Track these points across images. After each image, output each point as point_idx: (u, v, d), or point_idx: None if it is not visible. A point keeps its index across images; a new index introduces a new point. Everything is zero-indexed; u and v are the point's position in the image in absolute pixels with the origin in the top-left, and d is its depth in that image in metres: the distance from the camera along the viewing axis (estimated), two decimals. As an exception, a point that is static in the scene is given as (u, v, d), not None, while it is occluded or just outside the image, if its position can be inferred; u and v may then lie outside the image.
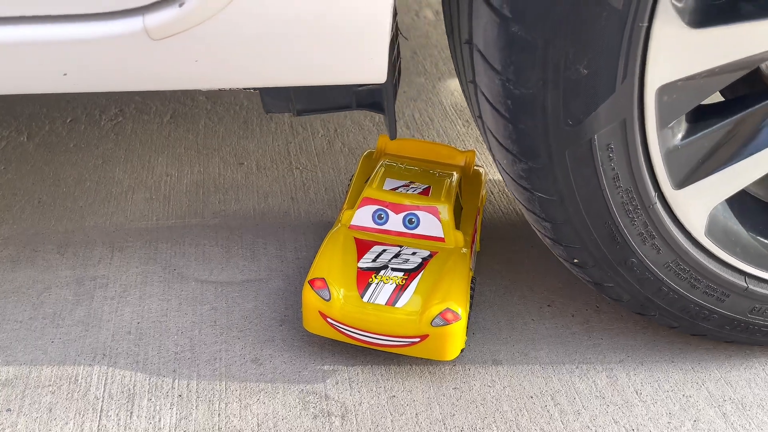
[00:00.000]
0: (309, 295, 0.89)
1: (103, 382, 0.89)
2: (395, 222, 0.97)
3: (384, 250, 0.94)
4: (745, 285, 0.85)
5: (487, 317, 1.00)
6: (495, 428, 0.84)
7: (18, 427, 0.83)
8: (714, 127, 0.77)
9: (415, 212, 0.97)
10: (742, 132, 0.79)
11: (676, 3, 0.67)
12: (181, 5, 0.68)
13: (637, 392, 0.89)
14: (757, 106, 0.78)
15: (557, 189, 0.76)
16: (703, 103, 0.77)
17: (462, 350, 0.89)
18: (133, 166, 1.33)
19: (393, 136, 0.91)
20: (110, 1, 0.69)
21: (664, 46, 0.68)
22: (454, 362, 0.92)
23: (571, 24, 0.65)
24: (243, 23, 0.71)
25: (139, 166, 1.33)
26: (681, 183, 0.78)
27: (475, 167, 1.14)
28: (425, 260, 0.93)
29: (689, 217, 0.80)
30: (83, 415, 0.85)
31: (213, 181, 1.29)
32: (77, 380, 0.89)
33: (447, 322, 0.85)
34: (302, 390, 0.88)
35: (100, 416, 0.85)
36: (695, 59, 0.70)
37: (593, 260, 0.83)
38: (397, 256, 0.93)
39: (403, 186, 1.01)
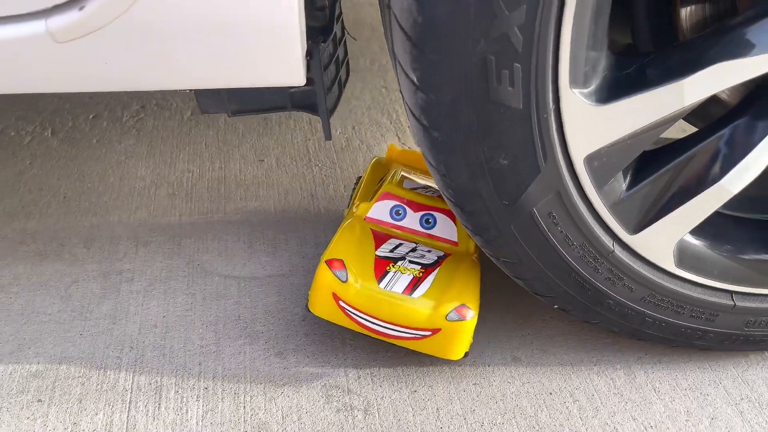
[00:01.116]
0: (325, 275, 0.86)
1: (131, 375, 0.91)
2: (412, 220, 0.98)
3: (401, 244, 0.96)
4: (732, 303, 0.86)
5: (506, 314, 1.01)
6: (515, 424, 0.86)
7: (49, 417, 0.86)
8: (656, 174, 0.79)
9: (433, 213, 0.98)
10: (691, 171, 0.79)
11: (579, 90, 0.70)
12: (81, 8, 0.69)
13: (655, 390, 0.90)
14: (699, 146, 0.78)
15: (515, 254, 0.82)
16: (647, 150, 0.79)
17: (466, 353, 0.89)
18: (155, 162, 1.35)
19: (327, 137, 0.92)
20: (11, 5, 0.70)
21: (578, 125, 0.72)
22: (473, 359, 0.94)
23: (479, 128, 0.71)
24: (147, 26, 0.72)
25: (161, 162, 1.35)
26: (637, 228, 0.80)
27: None
28: (441, 258, 0.94)
29: (655, 254, 0.82)
30: (113, 407, 0.87)
31: (234, 178, 1.30)
32: (106, 372, 0.91)
33: (461, 318, 0.85)
34: (325, 384, 0.90)
35: (129, 408, 0.87)
36: (611, 130, 0.73)
37: (572, 306, 0.87)
38: (413, 250, 0.95)
39: (421, 188, 1.02)
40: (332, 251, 0.90)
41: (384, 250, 0.93)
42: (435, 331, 0.86)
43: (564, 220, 0.77)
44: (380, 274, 0.89)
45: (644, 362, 0.94)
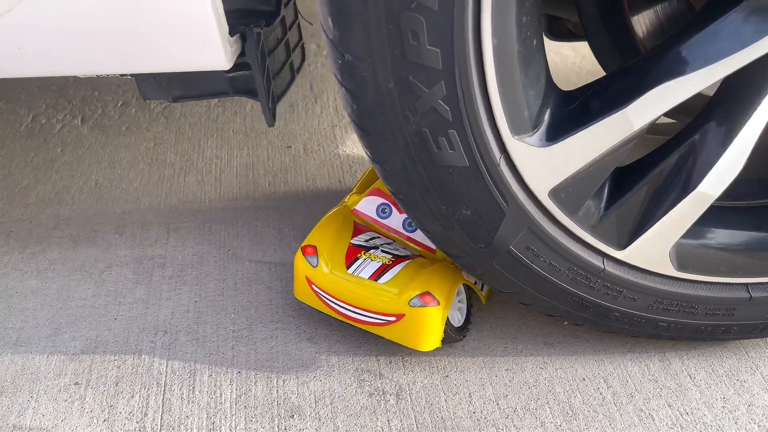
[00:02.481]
0: (299, 261, 0.91)
1: (165, 358, 0.92)
2: (396, 220, 0.98)
3: (379, 237, 0.96)
4: (749, 295, 0.83)
5: (538, 300, 1.01)
6: (548, 409, 0.85)
7: (86, 400, 0.87)
8: (632, 191, 0.78)
9: None
10: (666, 182, 0.77)
11: (525, 137, 0.70)
12: None
13: (690, 376, 0.89)
14: (671, 156, 0.77)
15: (508, 285, 0.83)
16: (620, 166, 0.78)
17: (439, 344, 0.87)
18: (184, 148, 1.36)
19: (269, 123, 0.91)
20: None
21: (533, 167, 0.73)
22: (505, 344, 0.94)
23: (434, 188, 0.74)
24: (54, 10, 0.72)
25: (190, 148, 1.36)
26: (625, 243, 0.79)
27: None
28: (416, 255, 0.94)
29: (652, 263, 0.80)
30: (148, 390, 0.88)
31: (262, 164, 1.31)
32: (141, 356, 0.93)
33: (424, 305, 0.85)
34: (357, 368, 0.90)
35: (164, 391, 0.88)
36: (568, 165, 0.73)
37: (581, 320, 0.87)
38: (389, 244, 0.95)
39: None
40: (309, 238, 0.93)
41: (359, 240, 0.94)
42: (399, 316, 0.86)
43: (544, 251, 0.78)
44: (350, 260, 0.91)
45: (679, 349, 0.93)
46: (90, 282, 1.05)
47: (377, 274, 0.89)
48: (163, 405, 0.86)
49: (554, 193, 0.75)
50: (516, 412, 0.85)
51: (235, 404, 0.86)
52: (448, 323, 0.88)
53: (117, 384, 0.89)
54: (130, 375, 0.90)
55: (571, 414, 0.84)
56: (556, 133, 0.72)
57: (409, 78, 0.66)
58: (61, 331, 0.96)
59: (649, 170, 0.77)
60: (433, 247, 0.96)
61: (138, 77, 0.87)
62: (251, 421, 0.84)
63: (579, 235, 0.78)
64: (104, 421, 0.84)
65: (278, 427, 0.83)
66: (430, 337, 0.87)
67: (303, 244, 0.92)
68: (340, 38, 0.66)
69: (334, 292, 0.89)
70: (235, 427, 0.83)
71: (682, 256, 0.81)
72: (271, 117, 0.90)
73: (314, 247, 0.91)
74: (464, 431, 0.83)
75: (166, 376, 0.90)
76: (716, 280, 0.83)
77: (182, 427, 0.83)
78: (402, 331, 0.87)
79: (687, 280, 0.82)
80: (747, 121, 0.72)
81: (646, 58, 0.74)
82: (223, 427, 0.83)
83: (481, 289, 0.96)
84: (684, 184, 0.76)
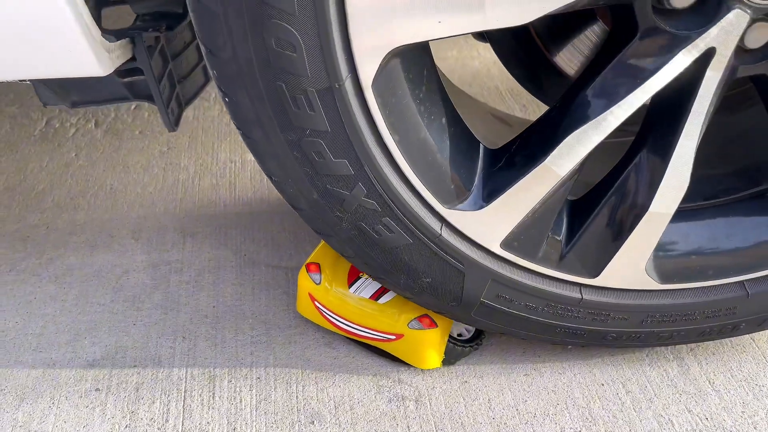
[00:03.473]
0: (302, 278, 0.94)
1: (185, 364, 0.93)
2: None
3: None
4: (747, 292, 0.82)
5: (555, 305, 1.01)
6: (567, 415, 0.85)
7: (107, 406, 0.88)
8: (587, 223, 0.78)
9: None
10: (619, 208, 0.77)
11: (457, 206, 0.73)
12: None
13: (710, 381, 0.89)
14: (617, 184, 0.77)
15: (497, 328, 0.85)
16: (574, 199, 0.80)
17: (441, 364, 0.90)
18: (197, 152, 1.36)
19: (169, 127, 0.91)
20: None
21: (476, 227, 0.75)
22: (523, 349, 0.94)
23: (391, 267, 0.78)
24: None
25: (203, 152, 1.36)
26: (596, 271, 0.79)
27: None
28: None
29: (630, 283, 0.80)
30: (168, 396, 0.89)
31: (276, 168, 1.31)
32: (160, 362, 0.93)
33: (423, 327, 0.87)
34: (375, 374, 0.91)
35: (184, 397, 0.88)
36: (510, 217, 0.75)
37: (582, 343, 0.88)
38: None
39: None
40: (313, 256, 0.95)
41: None
42: (398, 336, 0.88)
43: (516, 295, 0.80)
44: (353, 279, 0.92)
45: (697, 354, 0.93)
46: (108, 287, 1.05)
47: (378, 294, 0.90)
48: (183, 411, 0.87)
49: (507, 244, 0.76)
50: (536, 417, 0.85)
51: (256, 410, 0.87)
52: (453, 339, 0.90)
53: (137, 390, 0.89)
54: (151, 381, 0.91)
55: (590, 419, 0.85)
56: (490, 194, 0.74)
57: (328, 187, 0.71)
58: (81, 336, 0.97)
59: (599, 200, 0.78)
60: None
61: (34, 83, 0.86)
62: (271, 427, 0.84)
63: (547, 274, 0.79)
64: (126, 427, 0.85)
65: (299, 433, 0.84)
66: (430, 358, 0.89)
67: (307, 262, 0.94)
68: (261, 165, 0.73)
69: (336, 309, 0.91)
70: (256, 433, 0.84)
71: (662, 270, 0.81)
72: (170, 122, 0.89)
73: (318, 265, 0.93)
74: (484, 437, 0.83)
75: (186, 381, 0.90)
76: (707, 285, 0.82)
77: (203, 433, 0.84)
78: (403, 349, 0.90)
79: (675, 290, 0.82)
80: (679, 139, 0.71)
81: (556, 108, 0.76)
82: (244, 433, 0.84)
83: None
84: (635, 207, 0.76)
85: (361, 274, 0.93)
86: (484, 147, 0.77)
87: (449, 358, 0.90)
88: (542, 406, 0.86)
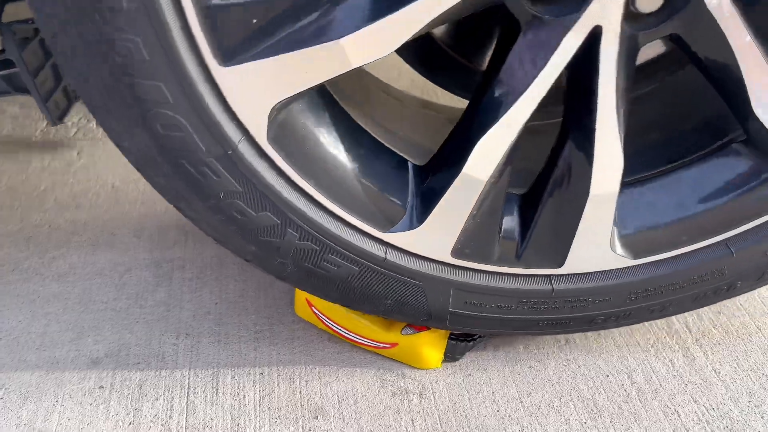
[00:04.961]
0: None
1: (188, 361, 0.92)
2: None
3: None
4: (731, 251, 0.78)
5: (558, 297, 1.00)
6: (572, 406, 0.85)
7: (111, 403, 0.87)
8: (536, 219, 0.77)
9: None
10: (560, 198, 0.76)
11: (398, 234, 0.74)
12: None
13: (715, 371, 0.89)
14: (555, 173, 0.75)
15: (479, 330, 0.86)
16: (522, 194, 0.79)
17: (440, 364, 0.89)
18: (199, 150, 1.36)
19: (51, 122, 0.89)
20: None
21: (420, 245, 0.75)
22: (527, 342, 0.93)
23: (352, 296, 0.79)
24: None
25: (205, 150, 1.36)
26: (560, 261, 0.78)
27: None
28: None
29: (600, 265, 0.78)
30: (172, 392, 0.88)
31: (277, 164, 1.31)
32: (164, 358, 0.93)
33: (416, 332, 0.87)
34: (379, 368, 0.90)
35: (188, 393, 0.88)
36: (449, 231, 0.75)
37: (573, 331, 0.86)
38: None
39: None
40: None
41: None
42: (393, 344, 0.89)
43: (485, 299, 0.80)
44: None
45: (703, 344, 0.92)
46: (111, 285, 1.05)
47: None
48: (187, 407, 0.86)
49: (458, 252, 0.76)
50: (540, 410, 0.85)
51: (259, 406, 0.86)
52: (455, 336, 0.89)
53: (141, 387, 0.89)
54: (154, 378, 0.90)
55: (595, 411, 0.84)
56: (424, 211, 0.74)
57: (261, 239, 0.72)
58: (84, 334, 0.97)
59: (543, 190, 0.76)
60: None
61: None
62: (275, 422, 0.84)
63: (509, 272, 0.78)
64: (130, 424, 0.85)
65: (303, 428, 0.83)
66: (429, 358, 0.89)
67: None
68: (200, 228, 0.75)
69: (332, 316, 0.91)
70: (260, 429, 0.83)
71: (632, 246, 0.78)
72: (51, 116, 0.88)
73: None
74: (489, 430, 0.82)
75: (189, 378, 0.90)
76: (684, 251, 0.78)
77: (207, 429, 0.84)
78: (401, 355, 0.90)
79: (652, 263, 0.79)
80: (596, 118, 0.68)
81: (465, 114, 0.75)
82: (247, 429, 0.83)
83: None
84: (576, 192, 0.74)
85: None
86: (413, 165, 0.77)
87: (453, 355, 0.90)
88: (547, 398, 0.86)
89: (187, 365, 0.92)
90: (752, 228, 0.77)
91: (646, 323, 0.95)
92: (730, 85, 0.70)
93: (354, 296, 0.79)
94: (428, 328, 0.87)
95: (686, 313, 0.97)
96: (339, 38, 0.61)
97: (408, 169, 0.77)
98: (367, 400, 0.86)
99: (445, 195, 0.72)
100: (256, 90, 0.63)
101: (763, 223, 0.76)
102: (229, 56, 0.61)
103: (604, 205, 0.74)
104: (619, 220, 0.77)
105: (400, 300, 0.79)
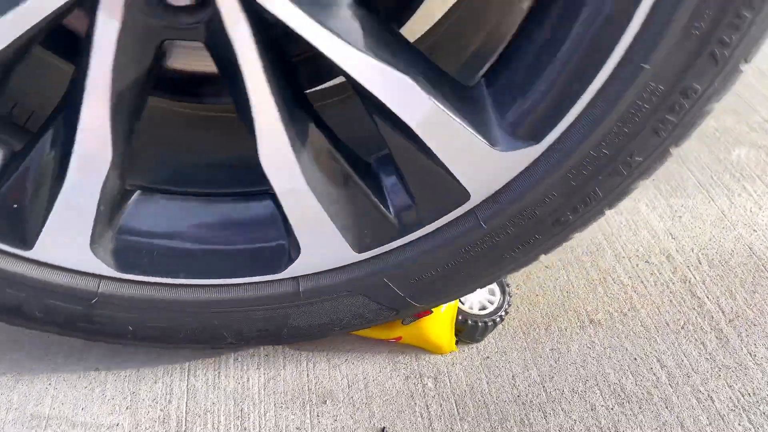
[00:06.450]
0: None
1: (189, 342, 0.87)
2: None
3: None
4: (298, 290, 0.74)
5: (580, 276, 0.95)
6: (598, 391, 0.80)
7: (107, 386, 0.83)
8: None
9: None
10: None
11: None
12: None
13: (751, 354, 0.83)
14: None
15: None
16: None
17: (455, 348, 0.84)
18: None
19: None
20: None
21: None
22: (548, 323, 0.88)
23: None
24: None
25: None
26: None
27: None
28: None
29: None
30: (171, 375, 0.84)
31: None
32: (163, 340, 0.88)
33: (417, 318, 0.81)
34: (391, 350, 0.85)
35: (188, 376, 0.83)
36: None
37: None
38: None
39: None
40: None
41: None
42: (398, 339, 0.84)
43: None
44: None
45: (736, 324, 0.87)
46: (107, 263, 1.00)
47: None
48: (187, 391, 0.82)
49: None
50: (564, 395, 0.79)
51: (264, 389, 0.81)
52: (470, 316, 0.83)
53: (139, 369, 0.84)
54: (153, 360, 0.85)
55: (623, 396, 0.79)
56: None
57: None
58: (79, 314, 0.92)
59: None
60: None
61: None
62: (281, 407, 0.79)
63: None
64: (127, 408, 0.80)
65: (310, 413, 0.78)
66: (441, 342, 0.83)
67: None
68: None
69: None
70: (265, 414, 0.78)
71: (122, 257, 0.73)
72: None
73: None
74: (509, 416, 0.77)
75: (189, 360, 0.85)
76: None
77: (208, 414, 0.79)
78: (414, 341, 0.84)
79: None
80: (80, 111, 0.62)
81: None
82: (251, 414, 0.78)
83: None
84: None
85: None
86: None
87: (475, 336, 0.84)
88: (570, 382, 0.81)
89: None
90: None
91: (675, 303, 0.90)
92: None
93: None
94: (431, 312, 0.81)
95: (718, 293, 0.91)
96: None
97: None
98: (378, 384, 0.81)
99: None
100: None
101: None
102: None
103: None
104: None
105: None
